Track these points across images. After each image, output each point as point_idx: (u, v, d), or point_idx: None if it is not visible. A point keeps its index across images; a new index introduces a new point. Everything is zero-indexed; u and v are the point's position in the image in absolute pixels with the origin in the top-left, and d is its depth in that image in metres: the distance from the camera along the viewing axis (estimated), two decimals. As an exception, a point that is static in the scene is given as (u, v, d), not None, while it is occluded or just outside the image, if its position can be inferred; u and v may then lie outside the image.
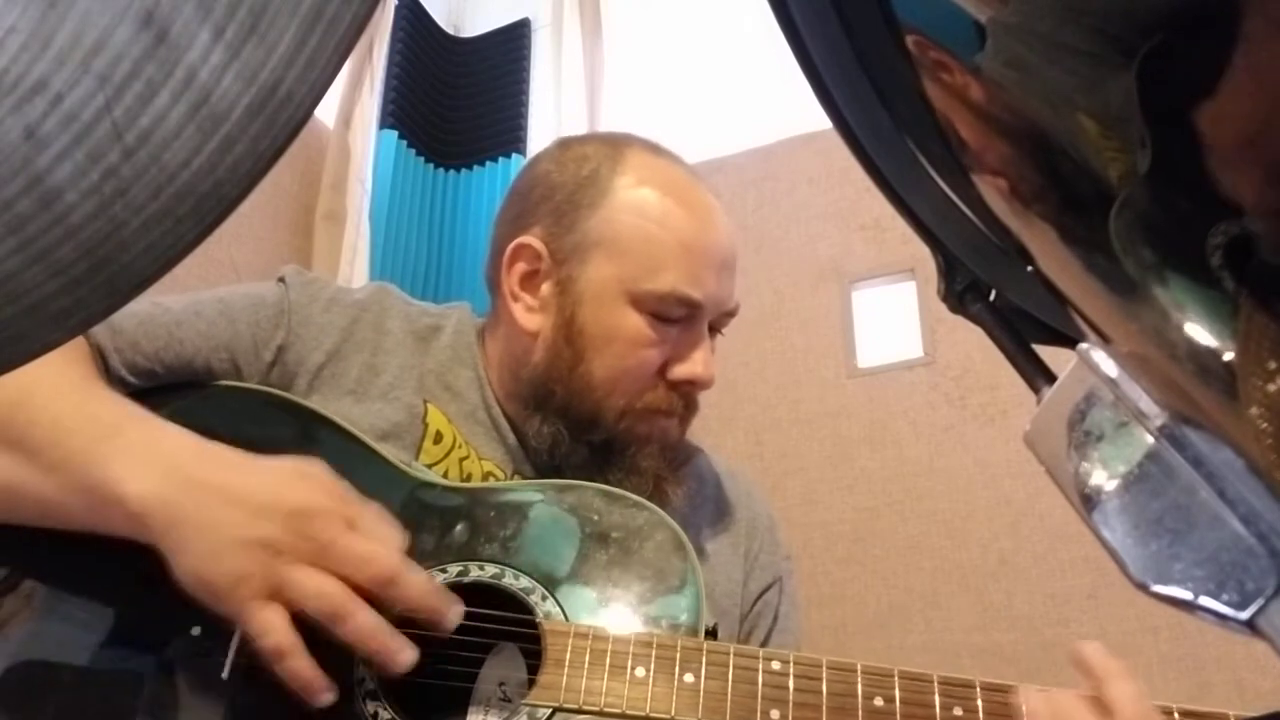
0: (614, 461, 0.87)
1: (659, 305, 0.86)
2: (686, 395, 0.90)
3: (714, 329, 0.92)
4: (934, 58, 0.29)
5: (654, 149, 0.94)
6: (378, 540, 0.70)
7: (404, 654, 0.68)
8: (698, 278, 0.87)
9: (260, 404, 0.85)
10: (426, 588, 0.70)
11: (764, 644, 0.94)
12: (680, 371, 0.88)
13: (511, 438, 0.91)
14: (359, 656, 0.70)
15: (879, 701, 0.69)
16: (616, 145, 0.93)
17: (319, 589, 0.66)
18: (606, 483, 0.86)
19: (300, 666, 0.66)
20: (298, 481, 0.70)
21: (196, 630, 0.72)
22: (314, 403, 0.86)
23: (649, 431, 0.88)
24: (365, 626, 0.67)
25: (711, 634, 0.79)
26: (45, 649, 0.71)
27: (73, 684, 0.70)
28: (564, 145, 0.97)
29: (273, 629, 0.65)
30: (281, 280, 0.92)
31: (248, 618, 0.66)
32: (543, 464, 0.90)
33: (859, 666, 0.71)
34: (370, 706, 0.70)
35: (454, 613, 0.71)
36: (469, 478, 0.88)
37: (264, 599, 0.66)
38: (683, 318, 0.87)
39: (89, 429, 0.70)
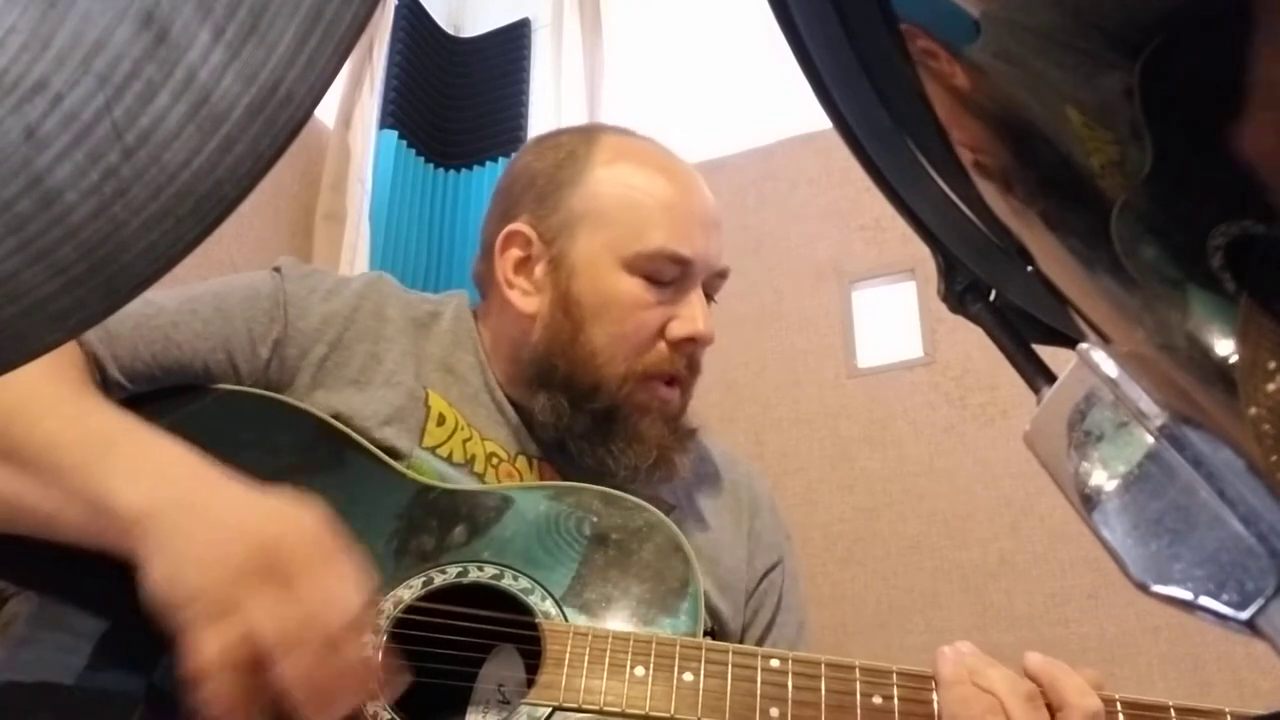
0: (616, 430, 0.87)
1: (650, 266, 0.87)
2: (689, 355, 0.90)
3: (708, 293, 0.93)
4: (933, 56, 0.29)
5: (625, 131, 0.97)
6: (346, 586, 0.66)
7: (333, 710, 0.64)
8: (685, 235, 0.88)
9: (258, 409, 0.84)
10: (371, 656, 0.67)
11: (770, 623, 0.95)
12: (679, 329, 0.88)
13: (515, 418, 0.92)
14: (290, 702, 0.65)
15: (877, 700, 0.70)
16: (589, 130, 0.97)
17: (274, 615, 0.63)
18: (609, 452, 0.86)
19: (220, 692, 0.62)
20: (283, 514, 0.67)
21: None
22: (318, 395, 0.86)
23: (648, 400, 0.89)
24: (303, 666, 0.63)
25: (711, 634, 0.79)
26: (30, 668, 0.71)
27: (64, 699, 0.70)
28: (538, 140, 1.01)
29: (205, 649, 0.62)
30: (277, 270, 0.92)
31: (190, 634, 0.62)
32: (548, 438, 0.90)
33: (857, 665, 0.71)
34: (369, 707, 0.70)
35: (386, 693, 0.69)
36: (473, 459, 0.88)
37: (217, 616, 0.62)
38: (676, 278, 0.88)
39: (85, 443, 0.69)
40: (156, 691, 0.70)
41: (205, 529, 0.65)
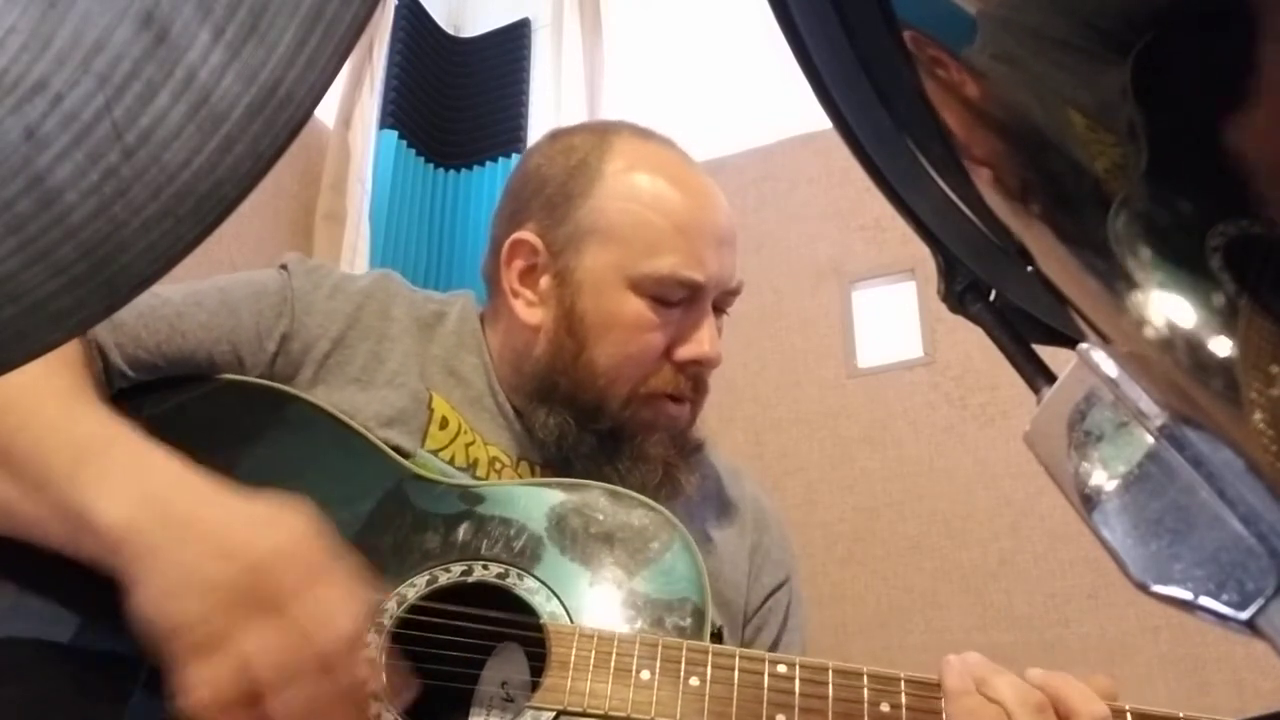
0: (621, 449, 0.86)
1: (659, 288, 0.85)
2: (695, 377, 0.89)
3: (718, 309, 0.91)
4: (933, 56, 0.29)
5: (643, 133, 0.93)
6: (343, 601, 0.64)
7: None
8: (697, 258, 0.86)
9: (262, 400, 0.84)
10: (371, 670, 0.66)
11: (775, 642, 0.94)
12: (686, 352, 0.86)
13: (517, 424, 0.91)
14: None
15: (885, 707, 0.69)
16: (604, 132, 0.93)
17: (268, 646, 0.60)
18: (615, 471, 0.85)
19: None
20: (274, 524, 0.64)
21: None
22: (319, 391, 0.85)
23: (654, 418, 0.87)
24: (300, 696, 0.60)
25: (717, 637, 0.79)
26: (13, 659, 0.69)
27: (54, 668, 0.69)
28: (553, 138, 0.97)
29: (195, 687, 0.59)
30: (284, 267, 0.91)
31: (178, 668, 0.60)
32: (550, 454, 0.89)
33: (865, 671, 0.70)
34: (373, 708, 0.70)
35: (396, 703, 0.68)
36: (475, 463, 0.87)
37: (208, 649, 0.59)
38: (684, 299, 0.86)
39: (71, 449, 0.66)
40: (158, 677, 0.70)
41: (192, 549, 0.62)
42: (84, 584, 0.70)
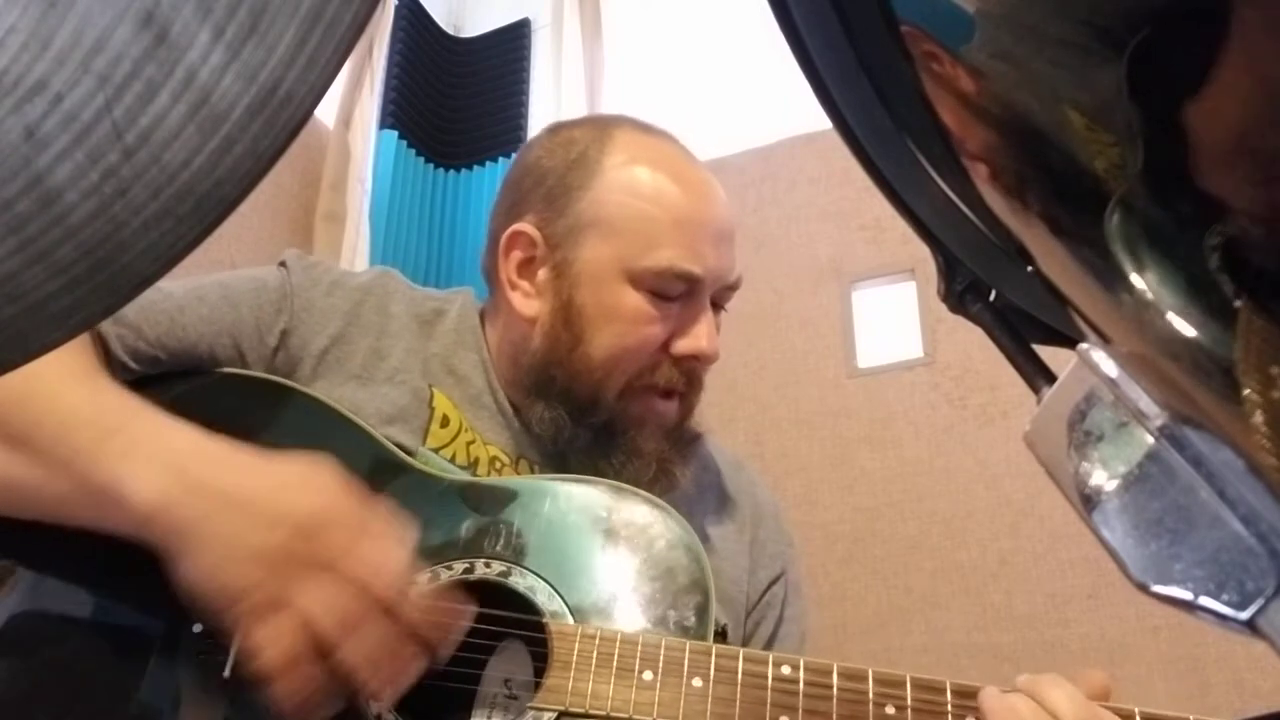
0: (616, 444, 0.86)
1: (657, 282, 0.85)
2: (690, 371, 0.89)
3: (716, 305, 0.91)
4: (933, 55, 0.29)
5: (643, 127, 0.93)
6: (388, 548, 0.67)
7: (404, 679, 0.66)
8: (697, 252, 0.85)
9: (262, 392, 0.84)
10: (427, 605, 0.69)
11: (772, 636, 0.94)
12: (683, 346, 0.86)
13: (515, 423, 0.90)
14: (359, 680, 0.67)
15: (890, 709, 0.68)
16: (604, 126, 0.93)
17: (328, 600, 0.63)
18: (609, 466, 0.85)
19: (292, 688, 0.63)
20: (308, 486, 0.67)
21: (198, 627, 0.71)
22: (319, 388, 0.85)
23: (643, 413, 0.87)
24: (367, 643, 0.64)
25: (721, 636, 0.78)
26: (30, 637, 0.71)
27: (73, 648, 0.70)
28: (552, 131, 0.97)
29: (272, 644, 0.62)
30: (283, 264, 0.91)
31: (249, 630, 0.63)
32: (546, 450, 0.89)
33: (870, 673, 0.70)
34: (374, 706, 0.70)
35: (459, 626, 0.70)
36: (476, 462, 0.87)
37: (269, 611, 0.63)
38: (683, 293, 0.86)
39: (94, 426, 0.68)
40: (164, 661, 0.70)
41: (235, 519, 0.64)
42: (101, 561, 0.72)
